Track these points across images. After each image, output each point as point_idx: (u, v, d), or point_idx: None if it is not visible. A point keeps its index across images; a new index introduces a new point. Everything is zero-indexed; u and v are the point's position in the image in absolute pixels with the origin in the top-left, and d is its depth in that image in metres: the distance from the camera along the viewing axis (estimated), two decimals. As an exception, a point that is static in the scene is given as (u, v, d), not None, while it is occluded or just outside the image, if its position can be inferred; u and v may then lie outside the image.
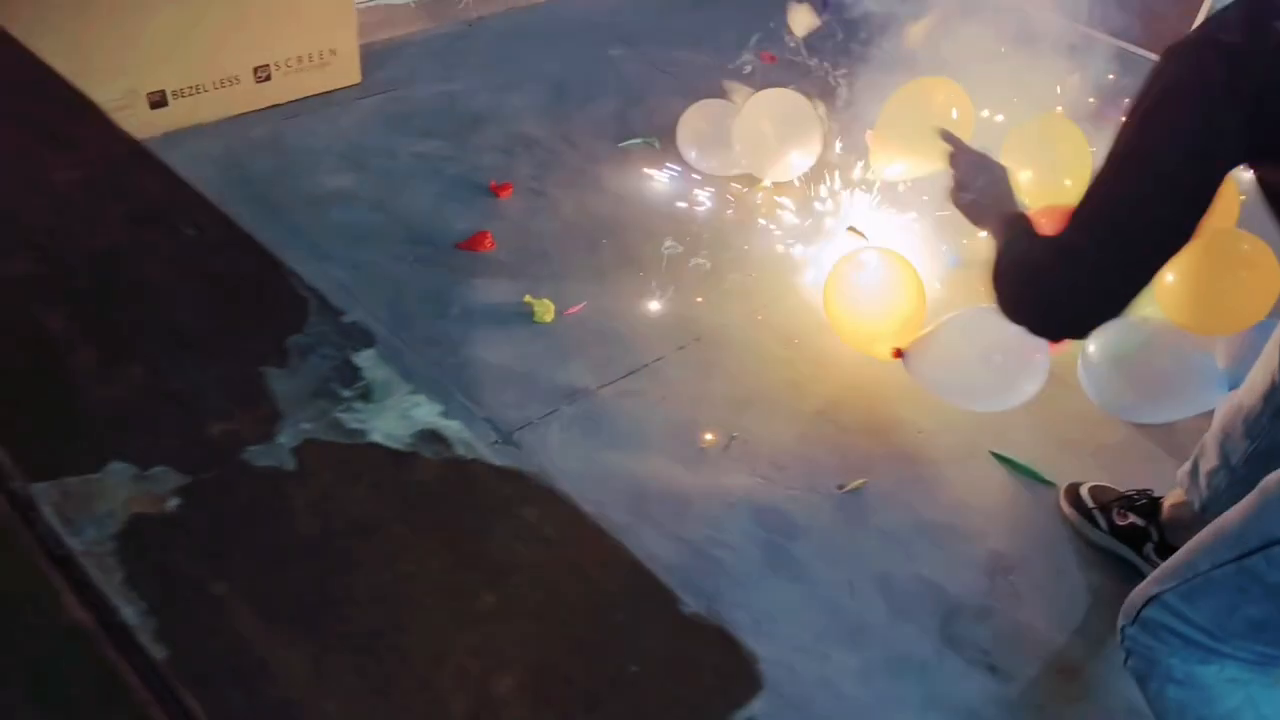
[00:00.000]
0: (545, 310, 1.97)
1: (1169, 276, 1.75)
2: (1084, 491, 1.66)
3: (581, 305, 2.00)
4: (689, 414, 1.80)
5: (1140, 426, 1.85)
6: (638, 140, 2.47)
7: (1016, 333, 1.20)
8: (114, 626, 0.50)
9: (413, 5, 2.82)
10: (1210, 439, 1.46)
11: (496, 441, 1.69)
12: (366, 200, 2.22)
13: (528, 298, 1.99)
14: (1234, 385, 1.76)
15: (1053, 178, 1.98)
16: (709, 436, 1.76)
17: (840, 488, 1.70)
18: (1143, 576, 1.56)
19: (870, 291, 1.81)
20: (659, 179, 2.34)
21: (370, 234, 2.13)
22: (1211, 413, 1.73)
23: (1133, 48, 3.06)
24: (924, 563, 1.59)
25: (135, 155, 0.79)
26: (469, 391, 1.79)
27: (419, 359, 1.83)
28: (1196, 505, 1.48)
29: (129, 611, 0.50)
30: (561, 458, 1.69)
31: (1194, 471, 1.49)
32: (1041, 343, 1.63)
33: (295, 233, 2.09)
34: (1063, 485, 1.70)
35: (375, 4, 2.75)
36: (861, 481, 1.71)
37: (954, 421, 1.83)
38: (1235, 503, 1.16)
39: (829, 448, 1.77)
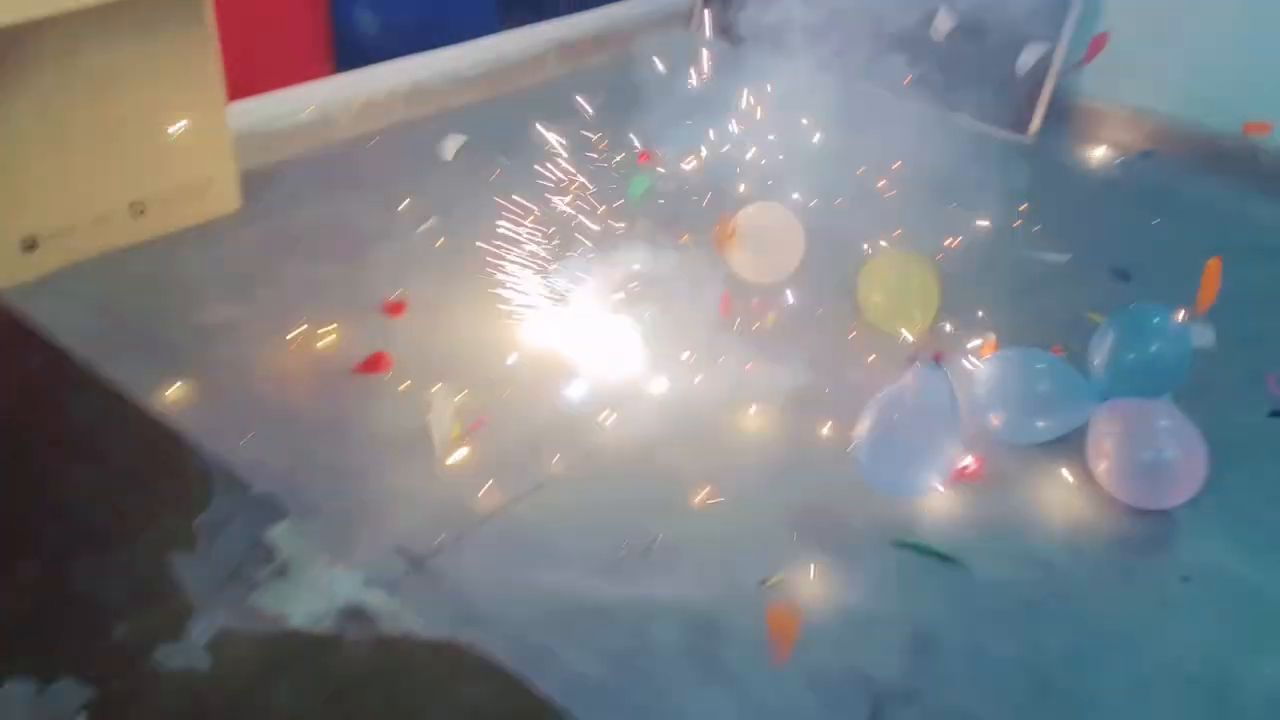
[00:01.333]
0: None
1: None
2: None
3: (486, 419, 1.98)
4: (605, 521, 1.79)
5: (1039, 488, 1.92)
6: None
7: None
8: None
9: (290, 129, 2.81)
10: None
11: (407, 572, 1.64)
12: (255, 331, 2.17)
13: (431, 416, 1.97)
14: (1105, 395, 1.95)
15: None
16: (627, 543, 1.75)
17: (762, 583, 1.70)
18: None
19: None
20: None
21: (259, 368, 2.07)
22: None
23: (977, 123, 3.25)
24: (849, 652, 1.59)
25: (6, 324, 0.76)
26: (376, 522, 1.74)
27: (321, 494, 1.77)
28: None
29: None
30: (476, 582, 1.65)
31: None
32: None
33: (181, 372, 2.03)
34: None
35: (252, 129, 2.73)
36: (782, 575, 1.71)
37: (867, 505, 1.86)
38: None
39: (747, 542, 1.78)
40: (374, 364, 2.10)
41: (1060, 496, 1.92)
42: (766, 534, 1.80)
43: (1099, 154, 3.20)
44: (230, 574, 0.58)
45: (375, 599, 0.56)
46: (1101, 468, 1.91)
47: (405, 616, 0.54)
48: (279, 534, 0.57)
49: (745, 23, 3.58)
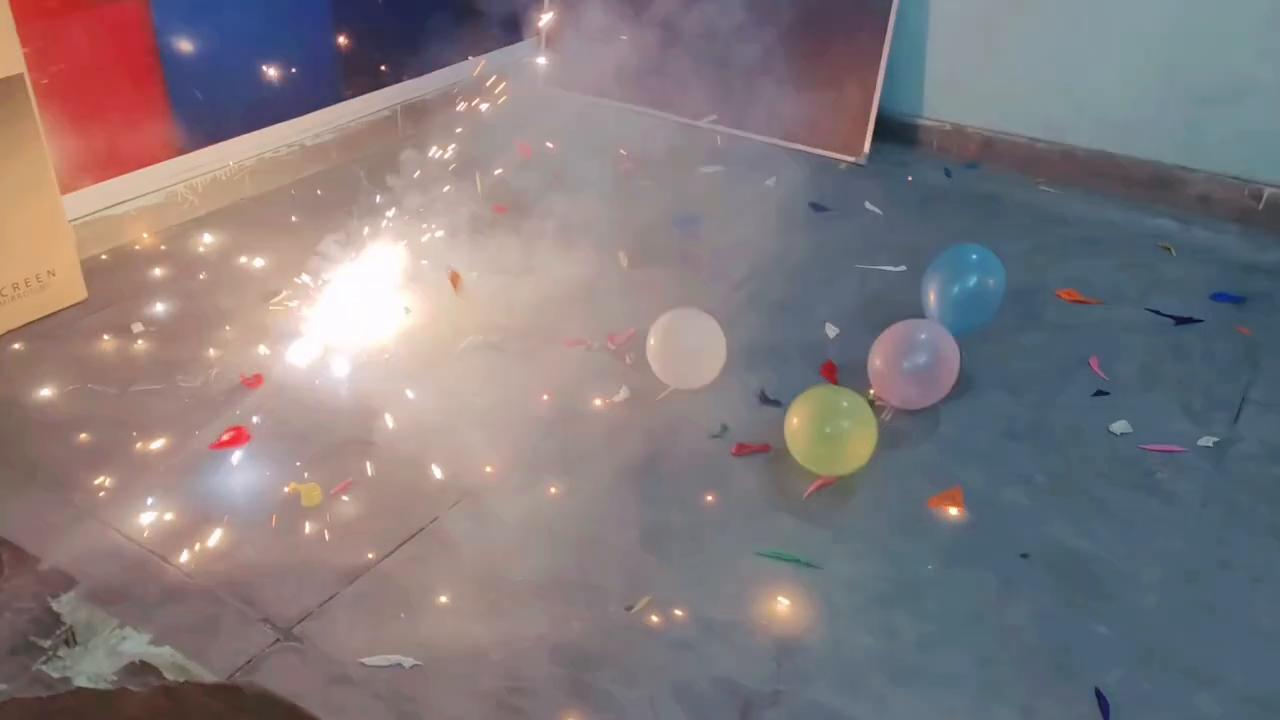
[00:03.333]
0: (312, 494, 1.96)
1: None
2: None
3: (349, 482, 2.00)
4: (473, 567, 1.82)
5: (884, 487, 2.03)
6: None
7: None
8: None
9: (135, 212, 2.79)
10: None
11: (277, 641, 1.64)
12: (108, 419, 2.14)
13: (292, 485, 1.97)
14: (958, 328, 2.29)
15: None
16: (496, 585, 1.78)
17: (628, 608, 1.75)
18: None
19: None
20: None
21: (116, 453, 2.05)
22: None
23: (811, 149, 3.42)
24: (714, 663, 1.66)
25: None
26: (243, 594, 1.73)
27: (183, 573, 1.76)
28: None
29: None
30: (349, 641, 1.67)
31: None
32: None
33: (33, 467, 1.99)
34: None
35: (93, 217, 2.70)
36: (647, 599, 1.77)
37: (727, 521, 1.94)
38: None
39: (612, 570, 1.83)
40: (233, 439, 2.09)
41: (905, 494, 2.03)
42: (629, 560, 1.85)
43: (928, 168, 3.39)
44: (14, 647, 0.60)
45: (161, 655, 0.59)
46: (874, 378, 2.23)
47: (191, 668, 0.57)
48: (65, 604, 0.60)
49: (590, 74, 3.71)
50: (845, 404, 2.01)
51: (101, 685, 0.59)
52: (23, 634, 0.61)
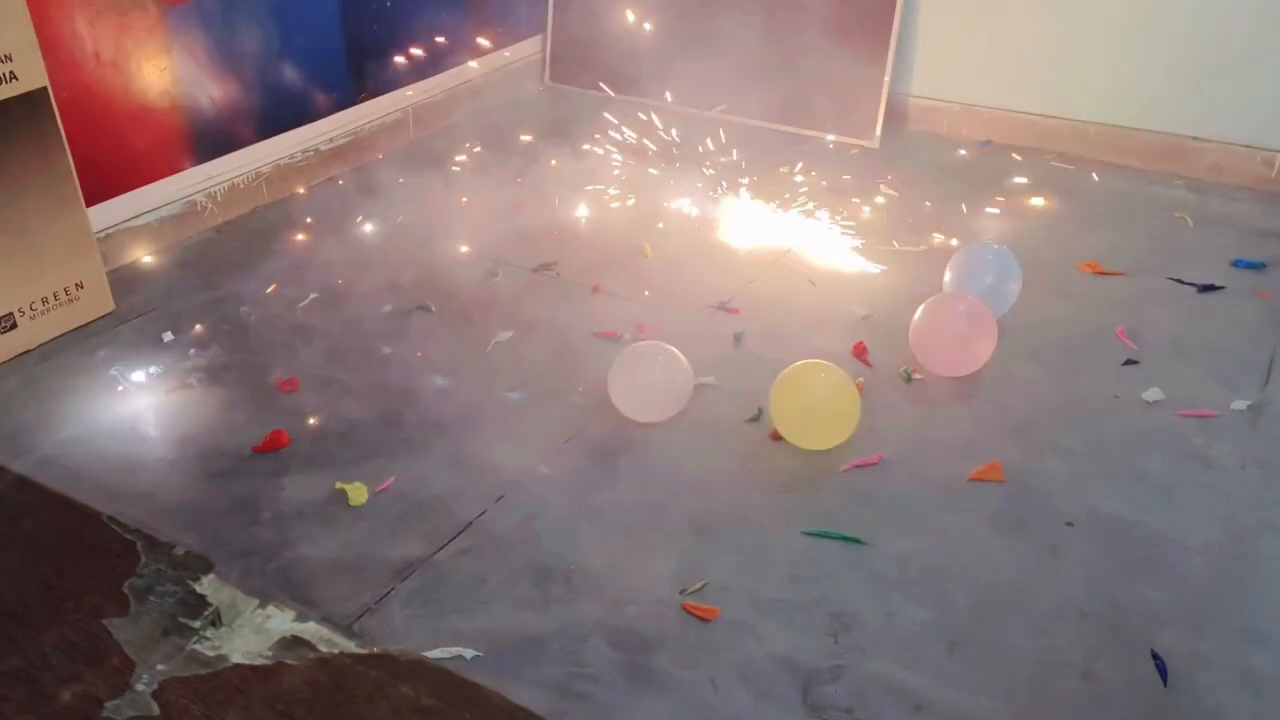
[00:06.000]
0: (358, 493, 1.97)
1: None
2: None
3: (393, 479, 2.01)
4: (525, 558, 1.83)
5: (927, 464, 2.04)
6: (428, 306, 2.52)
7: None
8: None
9: (156, 223, 2.80)
10: None
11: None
12: (145, 429, 2.15)
13: (338, 484, 1.98)
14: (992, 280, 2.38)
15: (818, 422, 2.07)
16: (549, 574, 1.79)
17: (682, 592, 1.76)
18: None
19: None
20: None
21: (157, 462, 2.05)
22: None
23: (823, 135, 3.43)
24: (772, 642, 1.67)
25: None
26: (299, 594, 1.73)
27: (238, 574, 1.77)
28: None
29: None
30: (408, 635, 1.67)
31: None
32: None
33: (73, 480, 1.99)
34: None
35: (116, 229, 2.70)
36: (702, 583, 1.78)
37: (771, 502, 1.95)
38: None
39: (663, 555, 1.84)
40: (274, 441, 2.10)
41: (945, 469, 2.04)
42: (680, 544, 1.86)
43: (940, 149, 3.41)
44: (165, 628, 0.61)
45: (309, 629, 0.61)
46: (918, 348, 2.29)
47: (340, 641, 0.58)
48: (208, 586, 0.61)
49: (596, 72, 3.72)
50: (823, 376, 2.06)
51: (258, 661, 0.60)
52: (171, 616, 0.62)
